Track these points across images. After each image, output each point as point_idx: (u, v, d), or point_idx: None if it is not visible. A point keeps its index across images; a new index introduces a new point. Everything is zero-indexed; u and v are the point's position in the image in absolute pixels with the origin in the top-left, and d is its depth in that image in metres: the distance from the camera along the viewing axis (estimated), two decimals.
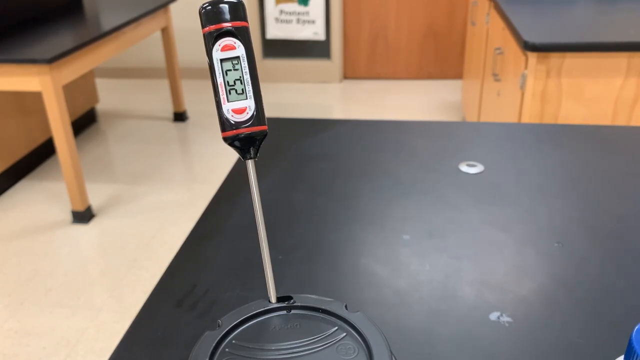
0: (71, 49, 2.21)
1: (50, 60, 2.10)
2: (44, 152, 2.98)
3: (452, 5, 3.84)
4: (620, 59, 1.63)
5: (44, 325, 1.87)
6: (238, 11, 0.44)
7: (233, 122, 0.45)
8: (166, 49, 3.29)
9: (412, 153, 0.95)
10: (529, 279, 0.65)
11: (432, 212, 0.79)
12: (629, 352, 0.37)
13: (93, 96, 3.44)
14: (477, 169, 0.89)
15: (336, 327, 0.46)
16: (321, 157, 0.95)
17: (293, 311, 0.48)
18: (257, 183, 0.47)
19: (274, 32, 3.95)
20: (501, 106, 2.08)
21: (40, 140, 2.93)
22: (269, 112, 0.48)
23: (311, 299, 0.48)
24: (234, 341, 0.45)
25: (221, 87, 0.45)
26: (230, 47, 0.44)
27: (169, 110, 3.59)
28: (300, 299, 0.48)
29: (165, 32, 3.24)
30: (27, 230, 2.40)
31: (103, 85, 3.92)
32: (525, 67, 1.69)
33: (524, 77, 1.71)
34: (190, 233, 0.76)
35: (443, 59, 4.00)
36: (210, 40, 0.44)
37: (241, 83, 0.45)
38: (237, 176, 0.91)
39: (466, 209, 0.79)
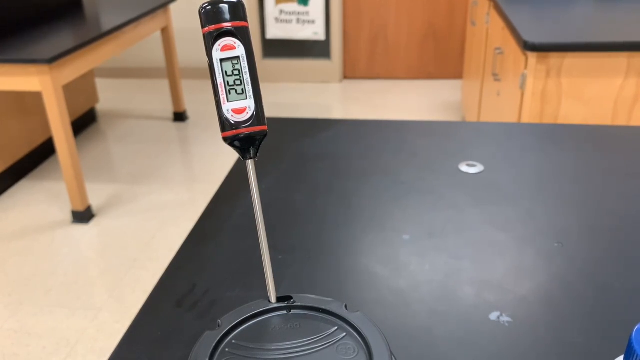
0: (71, 49, 2.21)
1: (50, 60, 2.10)
2: (44, 152, 2.98)
3: (452, 5, 3.84)
4: (620, 59, 1.63)
5: (44, 325, 1.87)
6: (238, 11, 0.44)
7: (233, 122, 0.45)
8: (166, 49, 3.29)
9: (412, 153, 0.95)
10: (529, 279, 0.65)
11: (432, 212, 0.79)
12: (629, 352, 0.37)
13: (93, 96, 3.44)
14: (477, 169, 0.89)
15: (336, 327, 0.46)
16: (321, 157, 0.95)
17: (293, 311, 0.48)
18: (257, 183, 0.47)
19: (274, 32, 3.95)
20: (501, 106, 2.08)
21: (40, 140, 2.93)
22: (269, 112, 0.48)
23: (311, 299, 0.48)
24: (233, 341, 0.45)
25: (221, 87, 0.45)
26: (230, 47, 0.44)
27: (169, 110, 3.59)
28: (300, 299, 0.48)
29: (165, 32, 3.24)
30: (27, 230, 2.40)
31: (103, 85, 3.92)
32: (525, 67, 1.69)
33: (523, 77, 1.71)
34: (190, 233, 0.76)
35: (443, 59, 4.00)
36: (210, 40, 0.44)
37: (241, 83, 0.45)
38: (237, 176, 0.91)
39: (466, 209, 0.79)
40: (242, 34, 0.45)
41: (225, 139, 0.46)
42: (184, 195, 2.67)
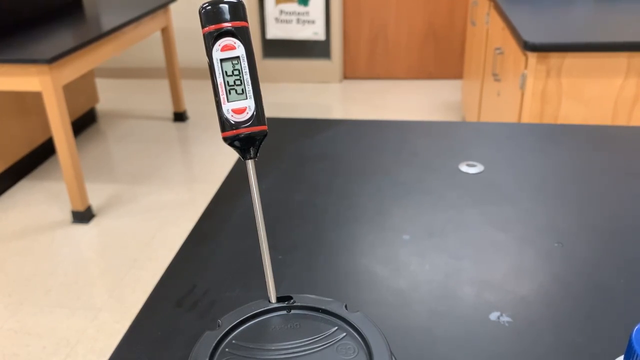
0: (71, 49, 2.21)
1: (50, 60, 2.10)
2: (44, 152, 2.98)
3: (452, 5, 3.83)
4: (620, 59, 1.63)
5: (44, 325, 1.87)
6: (238, 11, 0.44)
7: (233, 122, 0.45)
8: (166, 49, 3.29)
9: (412, 153, 0.95)
10: (529, 279, 0.65)
11: (432, 212, 0.79)
12: (629, 352, 0.37)
13: (93, 96, 3.44)
14: (477, 169, 0.89)
15: (336, 327, 0.46)
16: (321, 157, 0.95)
17: (293, 311, 0.48)
18: (257, 183, 0.47)
19: (274, 32, 3.95)
20: (501, 106, 2.08)
21: (40, 140, 2.93)
22: (269, 112, 0.48)
23: (311, 299, 0.48)
24: (233, 341, 0.45)
25: (221, 87, 0.45)
26: (230, 47, 0.44)
27: (169, 110, 3.59)
28: (300, 299, 0.48)
29: (165, 32, 3.24)
30: (27, 230, 2.40)
31: (103, 85, 3.92)
32: (525, 67, 1.69)
33: (523, 77, 1.70)
34: (190, 233, 0.76)
35: (443, 59, 4.00)
36: (210, 40, 0.44)
37: (241, 83, 0.45)
38: (237, 176, 0.91)
39: (466, 209, 0.79)
40: (242, 34, 0.45)
41: (225, 139, 0.46)
42: (184, 195, 2.67)
